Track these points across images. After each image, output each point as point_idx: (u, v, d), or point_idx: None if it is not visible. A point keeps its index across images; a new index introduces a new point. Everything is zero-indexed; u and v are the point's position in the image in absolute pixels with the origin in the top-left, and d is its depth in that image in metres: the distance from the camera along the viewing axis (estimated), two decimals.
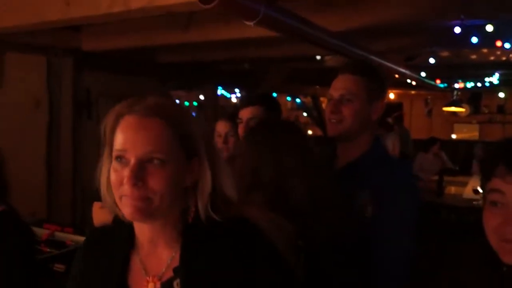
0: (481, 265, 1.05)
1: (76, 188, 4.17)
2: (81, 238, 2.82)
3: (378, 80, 1.60)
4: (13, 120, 3.60)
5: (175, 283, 0.94)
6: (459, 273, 1.09)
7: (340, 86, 1.57)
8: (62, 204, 4.05)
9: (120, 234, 1.02)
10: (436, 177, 5.68)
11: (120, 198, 0.91)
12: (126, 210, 0.91)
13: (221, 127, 2.22)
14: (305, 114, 10.65)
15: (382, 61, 3.85)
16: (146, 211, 0.90)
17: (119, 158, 0.91)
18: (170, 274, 0.95)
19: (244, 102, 2.20)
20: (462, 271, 1.09)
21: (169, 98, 1.02)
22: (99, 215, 2.33)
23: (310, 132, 11.79)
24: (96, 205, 2.36)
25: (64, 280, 2.46)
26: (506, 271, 0.98)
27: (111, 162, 0.94)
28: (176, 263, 0.94)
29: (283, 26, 2.32)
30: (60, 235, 3.03)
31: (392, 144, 5.20)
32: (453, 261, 1.15)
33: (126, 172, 0.89)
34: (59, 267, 2.50)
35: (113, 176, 0.92)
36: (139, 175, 0.88)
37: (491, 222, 0.97)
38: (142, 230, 0.98)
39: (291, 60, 5.30)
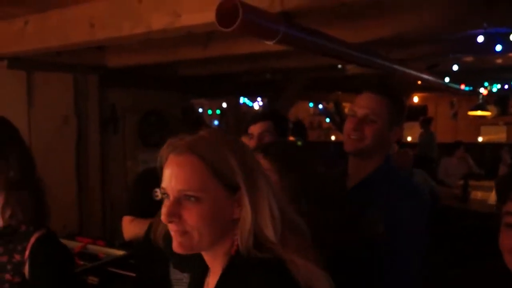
0: (497, 284, 1.06)
1: (105, 201, 4.27)
2: (113, 251, 2.90)
3: (402, 105, 1.61)
4: (43, 137, 3.72)
5: None
6: None
7: (365, 104, 1.56)
8: (92, 217, 4.16)
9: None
10: (461, 182, 5.54)
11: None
12: (173, 244, 0.96)
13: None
14: (327, 120, 10.61)
15: (405, 69, 3.81)
16: (188, 246, 0.94)
17: (165, 194, 0.96)
18: None
19: (254, 118, 2.22)
20: None
21: (211, 133, 1.00)
22: (129, 229, 2.40)
23: (333, 137, 11.75)
24: (126, 219, 2.42)
25: None
26: None
27: None
28: None
29: (303, 43, 2.34)
30: (92, 247, 3.11)
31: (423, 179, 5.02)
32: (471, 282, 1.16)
33: (164, 208, 0.94)
34: (92, 279, 2.56)
35: (162, 210, 0.97)
36: (174, 211, 0.92)
37: (506, 243, 0.99)
38: (205, 257, 1.03)
39: (312, 70, 5.30)
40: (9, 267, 1.34)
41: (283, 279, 0.90)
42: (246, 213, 0.93)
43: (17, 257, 1.34)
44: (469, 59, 4.61)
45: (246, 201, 0.93)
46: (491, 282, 1.09)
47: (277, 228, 0.93)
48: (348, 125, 1.59)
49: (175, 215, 0.92)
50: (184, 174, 0.93)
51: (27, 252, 1.34)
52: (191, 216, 0.92)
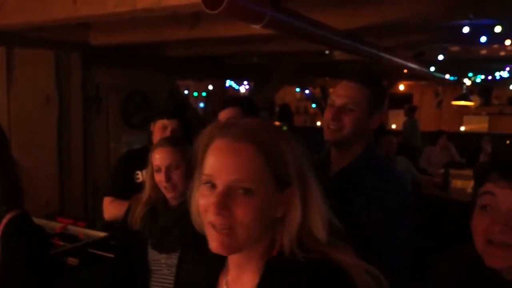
0: (466, 269, 1.10)
1: (87, 182, 4.24)
2: (93, 232, 2.89)
3: (381, 93, 1.61)
4: (23, 116, 3.65)
5: None
6: (447, 281, 1.14)
7: (344, 93, 1.57)
8: (74, 197, 4.13)
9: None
10: (442, 171, 5.58)
11: (208, 225, 0.87)
12: (212, 244, 0.87)
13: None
14: (313, 105, 10.63)
15: (391, 57, 3.83)
16: (230, 246, 0.86)
17: (208, 183, 0.87)
18: None
19: (223, 104, 2.21)
20: (451, 278, 1.13)
21: (265, 121, 0.94)
22: (110, 209, 2.39)
23: (319, 123, 11.79)
24: (106, 200, 2.42)
25: (77, 273, 2.53)
26: (489, 275, 1.02)
27: (200, 184, 0.89)
28: None
29: (290, 28, 2.32)
30: (73, 228, 3.09)
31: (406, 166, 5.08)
32: (441, 267, 1.19)
33: (212, 199, 0.85)
34: (72, 260, 2.55)
35: (201, 201, 0.88)
36: (225, 203, 0.83)
37: (479, 225, 1.01)
38: (231, 256, 0.94)
39: (299, 54, 5.28)
40: None
41: (338, 278, 0.84)
42: (296, 211, 0.87)
43: None
44: (455, 49, 4.64)
45: (297, 199, 0.87)
46: (463, 266, 1.12)
47: (326, 228, 0.88)
48: (326, 115, 1.60)
49: (226, 207, 0.83)
50: (239, 163, 0.84)
51: None
52: (242, 210, 0.83)
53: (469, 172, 5.77)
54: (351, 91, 1.56)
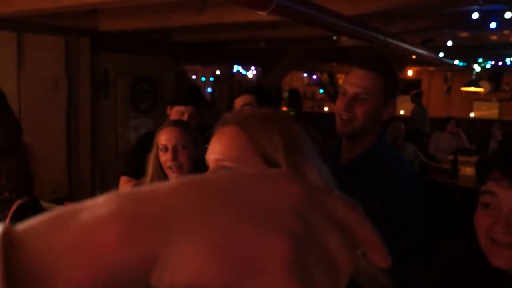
0: (470, 264, 1.08)
1: (95, 167, 4.28)
2: None
3: (394, 80, 1.53)
4: (33, 101, 3.69)
5: None
6: (448, 271, 1.14)
7: (356, 82, 1.47)
8: (82, 182, 4.18)
9: None
10: (451, 157, 5.50)
11: None
12: None
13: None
14: (321, 91, 10.58)
15: (399, 43, 3.79)
16: None
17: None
18: None
19: (238, 91, 2.25)
20: (452, 269, 1.13)
21: (258, 109, 0.96)
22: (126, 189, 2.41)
23: (326, 108, 11.74)
24: (123, 179, 2.45)
25: None
26: (493, 272, 1.01)
27: None
28: None
29: (297, 14, 2.31)
30: None
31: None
32: (444, 258, 1.19)
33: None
34: None
35: None
36: None
37: (482, 223, 1.00)
38: None
39: (306, 40, 5.25)
40: None
41: None
42: None
43: None
44: (464, 34, 4.57)
45: None
46: (467, 257, 1.11)
47: None
48: (338, 104, 1.52)
49: None
50: (221, 143, 0.88)
51: (7, 220, 1.34)
52: None
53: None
54: (364, 80, 1.47)
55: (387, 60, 1.63)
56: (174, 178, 1.76)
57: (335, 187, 0.90)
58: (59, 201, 3.26)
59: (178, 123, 1.88)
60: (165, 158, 1.79)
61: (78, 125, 4.14)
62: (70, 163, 4.10)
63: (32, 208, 1.40)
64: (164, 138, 1.81)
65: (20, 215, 1.35)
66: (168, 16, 3.64)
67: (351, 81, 1.50)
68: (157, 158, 1.84)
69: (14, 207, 1.36)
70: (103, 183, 4.20)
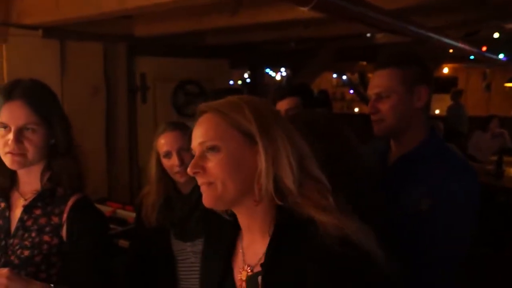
0: None
1: (133, 168, 4.38)
2: None
3: (415, 65, 1.50)
4: (75, 106, 3.80)
5: (259, 278, 0.95)
6: None
7: (375, 83, 1.52)
8: (120, 184, 4.28)
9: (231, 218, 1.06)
10: (494, 158, 5.28)
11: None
12: (202, 198, 0.99)
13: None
14: (351, 91, 10.47)
15: (439, 37, 3.67)
16: (213, 196, 0.96)
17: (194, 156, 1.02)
18: (259, 268, 0.96)
19: (280, 93, 2.13)
20: None
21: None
22: None
23: (356, 109, 11.61)
24: None
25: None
26: None
27: None
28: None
29: (339, 9, 2.26)
30: (121, 212, 3.23)
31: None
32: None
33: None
34: (123, 243, 2.67)
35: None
36: (197, 163, 0.97)
37: None
38: (240, 217, 1.03)
39: (338, 39, 5.20)
40: (47, 229, 1.38)
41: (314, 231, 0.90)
42: (261, 160, 0.94)
43: (55, 219, 1.38)
44: (511, 26, 4.34)
45: (260, 149, 0.94)
46: None
47: (295, 178, 0.93)
48: (368, 109, 1.57)
49: (198, 166, 0.96)
50: (201, 129, 0.99)
51: (65, 215, 1.38)
52: (213, 166, 0.95)
53: None
54: (381, 79, 1.51)
55: (404, 52, 1.60)
56: (183, 182, 1.74)
57: (308, 151, 0.97)
58: (101, 201, 3.36)
59: (176, 126, 1.80)
60: (171, 163, 1.73)
61: (116, 128, 4.25)
62: (109, 165, 4.20)
63: (86, 204, 1.44)
64: (165, 143, 1.75)
65: (76, 210, 1.40)
66: (202, 19, 3.69)
67: (371, 84, 1.56)
68: (159, 165, 1.78)
69: (70, 203, 1.41)
70: (140, 185, 4.29)
